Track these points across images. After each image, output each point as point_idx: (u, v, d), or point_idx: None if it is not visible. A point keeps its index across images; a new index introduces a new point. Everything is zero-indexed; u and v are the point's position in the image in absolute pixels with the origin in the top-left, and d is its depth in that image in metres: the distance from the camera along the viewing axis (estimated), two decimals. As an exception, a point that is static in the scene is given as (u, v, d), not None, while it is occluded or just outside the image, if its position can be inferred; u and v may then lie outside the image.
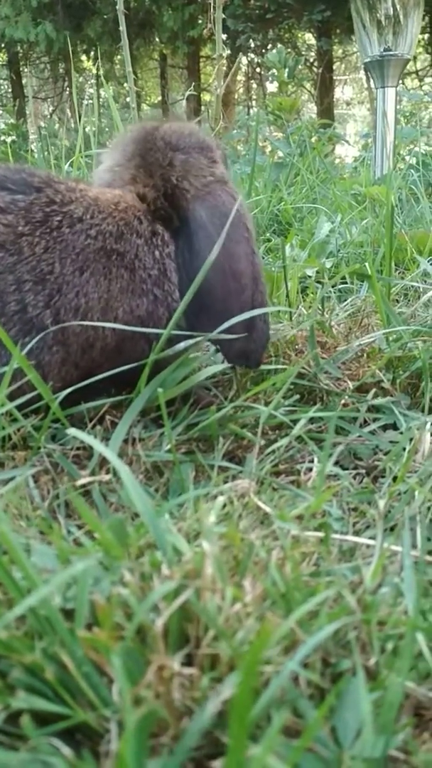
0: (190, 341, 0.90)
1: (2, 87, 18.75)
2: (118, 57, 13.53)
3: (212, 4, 2.10)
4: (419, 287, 1.52)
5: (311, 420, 0.96)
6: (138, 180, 1.02)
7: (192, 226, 0.97)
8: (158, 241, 0.97)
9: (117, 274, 0.92)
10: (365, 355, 1.16)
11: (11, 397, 0.82)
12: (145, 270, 0.95)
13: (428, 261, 1.67)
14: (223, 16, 2.11)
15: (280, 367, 1.08)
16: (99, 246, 0.91)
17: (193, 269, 0.93)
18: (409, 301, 1.52)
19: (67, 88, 15.43)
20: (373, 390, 1.04)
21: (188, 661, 0.48)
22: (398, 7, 3.04)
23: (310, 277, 1.62)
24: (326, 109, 13.49)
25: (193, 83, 12.15)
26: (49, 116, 15.02)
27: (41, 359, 0.87)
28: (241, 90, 17.19)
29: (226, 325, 0.89)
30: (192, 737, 0.39)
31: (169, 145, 1.02)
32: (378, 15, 3.08)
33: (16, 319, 0.85)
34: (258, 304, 0.98)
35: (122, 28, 2.34)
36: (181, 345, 0.90)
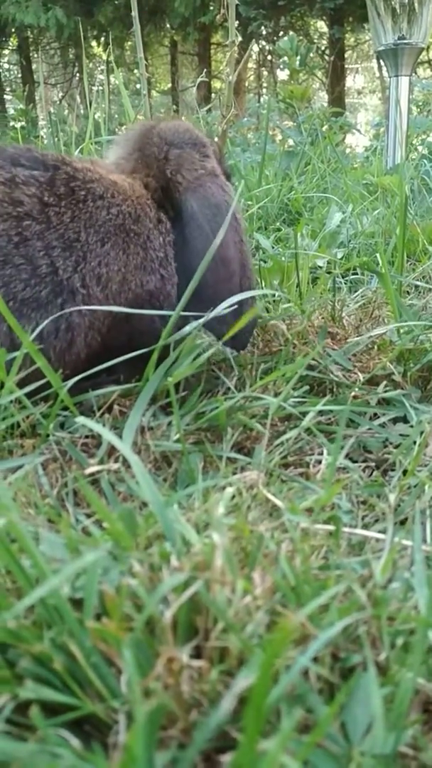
0: (195, 323, 0.93)
1: (12, 72, 18.68)
2: (129, 43, 13.45)
3: (225, -10, 2.07)
4: (431, 279, 1.51)
5: (321, 412, 0.95)
6: (138, 171, 1.08)
7: (184, 217, 1.04)
8: (163, 228, 1.04)
9: (134, 251, 0.99)
10: (376, 347, 1.15)
11: (19, 383, 0.81)
12: (155, 251, 1.02)
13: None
14: (236, 2, 2.08)
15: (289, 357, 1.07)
16: (120, 223, 0.98)
17: (185, 256, 1.03)
18: (420, 293, 1.51)
19: (77, 74, 15.36)
20: (384, 382, 1.03)
21: (197, 654, 0.48)
22: (413, -6, 3.00)
23: (320, 267, 1.61)
24: (337, 98, 13.39)
25: (204, 70, 12.07)
26: (58, 102, 14.95)
27: (71, 321, 0.91)
28: (251, 77, 17.07)
29: (217, 310, 0.93)
30: (207, 731, 0.39)
31: (164, 140, 1.09)
32: (393, 3, 3.04)
33: (48, 280, 0.90)
34: (246, 289, 1.04)
35: (134, 13, 2.32)
36: (187, 328, 0.92)
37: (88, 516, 0.72)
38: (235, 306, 0.93)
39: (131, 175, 1.07)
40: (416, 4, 3.07)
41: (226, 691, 0.43)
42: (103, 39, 13.64)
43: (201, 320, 0.92)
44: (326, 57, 14.21)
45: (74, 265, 0.92)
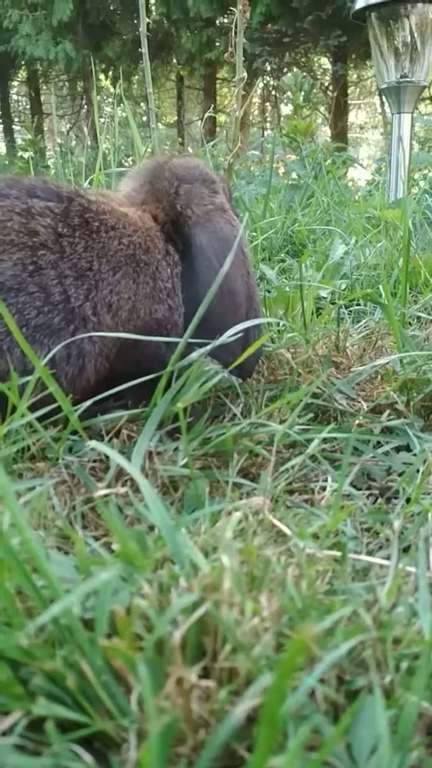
0: (201, 350, 0.96)
1: (21, 103, 19.03)
2: (136, 77, 13.74)
3: (233, 28, 2.14)
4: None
5: (325, 440, 0.97)
6: (148, 204, 1.12)
7: (192, 250, 1.07)
8: (171, 260, 1.07)
9: (143, 281, 1.02)
10: (379, 376, 1.17)
11: (30, 408, 0.83)
12: (163, 282, 1.05)
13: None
14: (243, 40, 2.14)
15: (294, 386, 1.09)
16: (130, 253, 1.01)
17: (193, 287, 1.05)
18: (422, 324, 1.53)
19: (85, 106, 15.65)
20: (387, 411, 1.04)
21: (205, 674, 0.49)
22: (416, 34, 3.08)
23: (324, 298, 1.64)
24: (340, 133, 13.61)
25: (210, 105, 12.30)
26: (66, 133, 15.21)
27: (83, 348, 0.94)
28: (256, 112, 17.37)
29: (223, 338, 0.95)
30: (215, 747, 0.40)
31: (175, 175, 1.12)
32: (396, 42, 3.12)
33: (61, 308, 0.92)
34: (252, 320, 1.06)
35: (144, 50, 2.38)
36: (194, 355, 0.94)
37: (96, 539, 0.73)
38: (241, 335, 0.95)
39: (141, 207, 1.11)
40: (419, 44, 3.15)
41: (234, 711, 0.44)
42: (111, 72, 13.93)
43: (207, 348, 0.94)
44: (329, 93, 14.49)
45: (86, 293, 0.94)
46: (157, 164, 1.15)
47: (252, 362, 1.10)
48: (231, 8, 2.10)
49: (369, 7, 3.12)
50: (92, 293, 0.95)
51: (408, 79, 3.13)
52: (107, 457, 0.85)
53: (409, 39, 3.09)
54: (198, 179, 1.12)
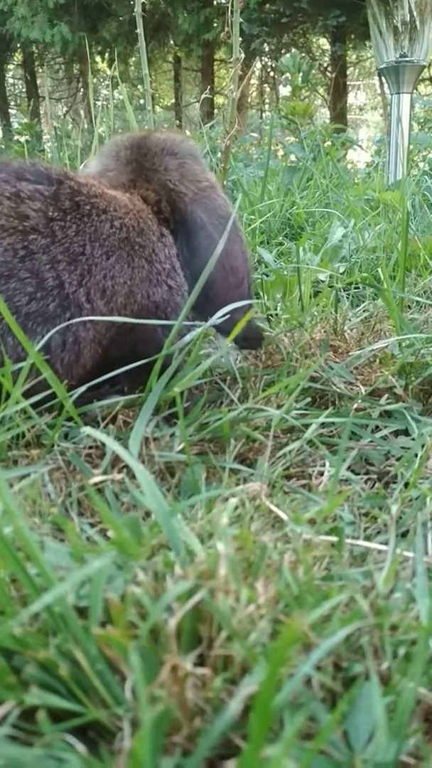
0: (195, 332, 0.96)
1: (17, 87, 18.86)
2: (133, 59, 13.60)
3: (229, 8, 2.10)
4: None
5: (323, 424, 0.96)
6: (138, 185, 1.09)
7: (192, 227, 1.05)
8: (166, 242, 1.06)
9: (138, 264, 1.00)
10: (378, 360, 1.16)
11: (24, 394, 0.82)
12: (161, 263, 1.03)
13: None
14: (240, 20, 2.11)
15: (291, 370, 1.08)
16: (124, 236, 0.99)
17: (195, 266, 1.03)
18: (421, 307, 1.52)
19: (81, 89, 15.51)
20: (386, 395, 1.04)
21: (201, 662, 0.48)
22: (415, 13, 3.04)
23: (323, 281, 1.62)
24: (339, 114, 13.49)
25: (208, 86, 12.18)
26: (62, 117, 15.08)
27: (78, 335, 0.92)
28: (254, 94, 17.21)
29: (221, 312, 0.95)
30: (212, 737, 0.39)
31: (164, 150, 1.10)
32: (395, 21, 3.08)
33: (55, 294, 0.90)
34: (249, 297, 1.06)
35: (139, 30, 2.35)
36: (187, 337, 0.93)
37: (92, 525, 0.73)
38: (246, 307, 0.96)
39: (128, 189, 1.08)
40: (418, 23, 3.11)
41: (230, 699, 0.43)
42: (107, 55, 13.78)
43: (198, 330, 0.94)
44: (328, 74, 14.34)
45: (79, 278, 0.92)
46: (140, 139, 1.12)
47: (258, 335, 1.11)
48: (228, -13, 2.06)
49: (368, -15, 3.08)
50: (85, 278, 0.93)
51: (407, 59, 3.10)
52: (103, 443, 0.84)
53: (408, 18, 3.04)
54: (188, 155, 1.10)
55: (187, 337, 0.96)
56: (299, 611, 0.50)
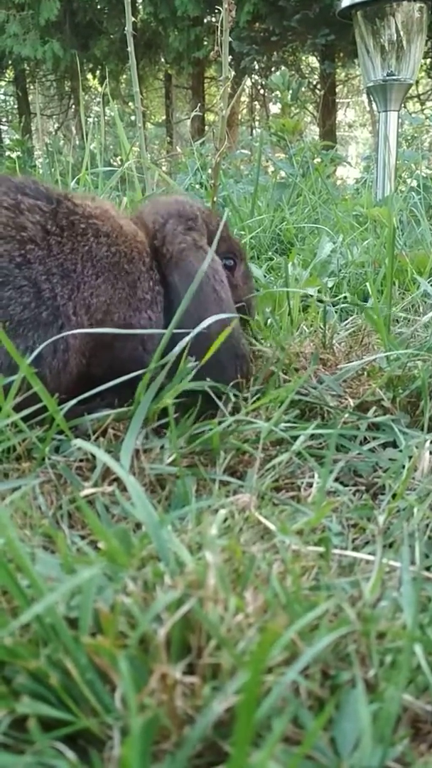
0: (175, 349, 0.94)
1: (8, 103, 18.95)
2: (124, 76, 13.71)
3: (219, 27, 2.14)
4: (419, 307, 1.54)
5: (312, 437, 0.97)
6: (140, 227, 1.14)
7: (169, 291, 1.10)
8: (153, 276, 1.09)
9: (120, 286, 1.03)
10: (366, 373, 1.17)
11: (15, 407, 0.83)
12: (144, 292, 1.07)
13: (428, 282, 1.69)
14: (229, 39, 2.14)
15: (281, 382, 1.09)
16: (115, 261, 1.03)
17: (168, 320, 1.04)
18: (409, 320, 1.53)
19: (73, 106, 15.60)
20: (374, 408, 1.05)
21: (190, 671, 0.49)
22: (402, 32, 3.09)
23: (311, 296, 1.64)
24: (328, 131, 13.63)
25: (198, 104, 12.29)
26: (54, 133, 15.16)
27: (68, 342, 0.95)
28: (244, 111, 17.37)
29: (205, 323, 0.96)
30: (193, 742, 0.40)
31: (155, 211, 1.16)
32: (382, 40, 3.13)
33: (49, 304, 0.94)
34: (237, 355, 1.07)
35: (130, 48, 2.38)
36: (167, 357, 0.94)
37: (83, 537, 0.73)
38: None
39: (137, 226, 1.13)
40: (404, 42, 3.16)
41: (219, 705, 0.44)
42: (98, 72, 13.89)
43: (173, 353, 0.94)
44: (317, 91, 14.50)
45: (70, 293, 0.96)
46: (149, 202, 1.22)
47: (229, 367, 1.07)
48: (218, 7, 2.09)
49: (355, 5, 3.13)
50: (75, 293, 0.97)
51: (394, 77, 3.14)
52: (94, 456, 0.85)
53: (395, 37, 3.09)
54: (174, 215, 1.14)
55: (167, 357, 0.96)
56: (281, 616, 0.51)
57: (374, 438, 0.99)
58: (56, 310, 0.94)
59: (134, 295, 1.05)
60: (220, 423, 0.92)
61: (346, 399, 1.08)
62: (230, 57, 2.15)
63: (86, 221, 1.01)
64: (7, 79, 17.28)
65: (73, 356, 0.97)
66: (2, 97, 19.01)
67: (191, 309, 0.97)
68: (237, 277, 1.26)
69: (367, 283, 1.58)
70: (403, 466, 0.88)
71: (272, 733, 0.34)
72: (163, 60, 14.65)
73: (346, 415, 1.03)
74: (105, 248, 1.02)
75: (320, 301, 1.61)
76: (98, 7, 13.12)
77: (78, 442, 0.72)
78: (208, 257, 1.03)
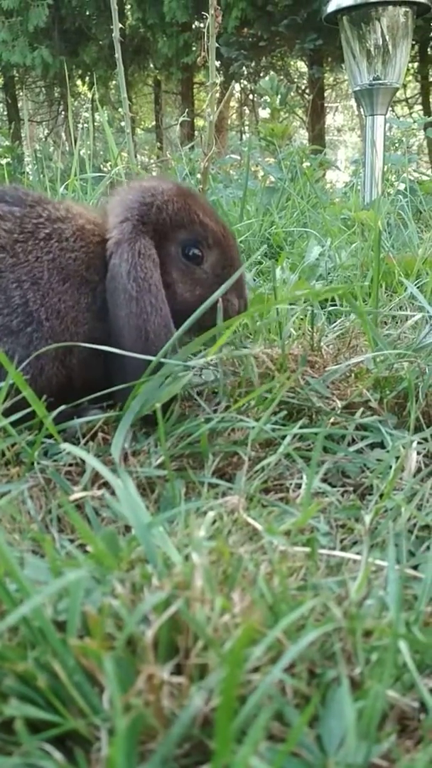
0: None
1: (-2, 110, 18.92)
2: (113, 82, 13.73)
3: (206, 33, 2.15)
4: (407, 309, 1.55)
5: (301, 438, 0.98)
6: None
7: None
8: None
9: (84, 292, 1.02)
10: (353, 375, 1.18)
11: (4, 412, 0.83)
12: (102, 299, 1.03)
13: (415, 284, 1.70)
14: (217, 44, 2.16)
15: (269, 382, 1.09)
16: (77, 267, 1.02)
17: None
18: (396, 322, 1.54)
19: (62, 112, 15.61)
20: (361, 409, 1.05)
21: (177, 671, 0.49)
22: (387, 37, 3.12)
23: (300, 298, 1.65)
24: (317, 135, 13.68)
25: (187, 109, 12.33)
26: (44, 139, 15.16)
27: (39, 348, 0.96)
28: (233, 116, 17.43)
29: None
30: (176, 737, 0.40)
31: (115, 201, 1.09)
32: (367, 45, 3.15)
33: (20, 311, 0.96)
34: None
35: (118, 55, 2.39)
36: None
37: (72, 541, 0.74)
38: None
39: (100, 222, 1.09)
40: (390, 46, 3.19)
41: (205, 707, 0.45)
42: (87, 78, 13.90)
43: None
44: (306, 96, 14.56)
45: (41, 299, 0.97)
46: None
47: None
48: (205, 13, 2.11)
49: (341, 11, 3.15)
50: (45, 299, 0.98)
51: (380, 82, 3.17)
52: (83, 460, 0.85)
53: (380, 41, 3.12)
54: (119, 204, 1.06)
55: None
56: (260, 612, 0.51)
57: (362, 439, 1.00)
58: (27, 317, 0.96)
59: (95, 301, 1.02)
60: (207, 421, 0.92)
61: (333, 400, 1.09)
62: (218, 62, 2.17)
63: (52, 226, 1.02)
64: (-4, 86, 17.27)
65: (50, 365, 0.98)
66: (-9, 103, 18.96)
67: (111, 315, 0.99)
68: (205, 268, 1.11)
69: (355, 286, 1.59)
70: (390, 467, 0.89)
71: (255, 726, 0.35)
72: (152, 66, 14.68)
73: (334, 417, 1.03)
74: (68, 254, 1.01)
75: (308, 303, 1.62)
76: (87, 13, 13.14)
77: (67, 446, 0.72)
78: (131, 252, 0.99)
